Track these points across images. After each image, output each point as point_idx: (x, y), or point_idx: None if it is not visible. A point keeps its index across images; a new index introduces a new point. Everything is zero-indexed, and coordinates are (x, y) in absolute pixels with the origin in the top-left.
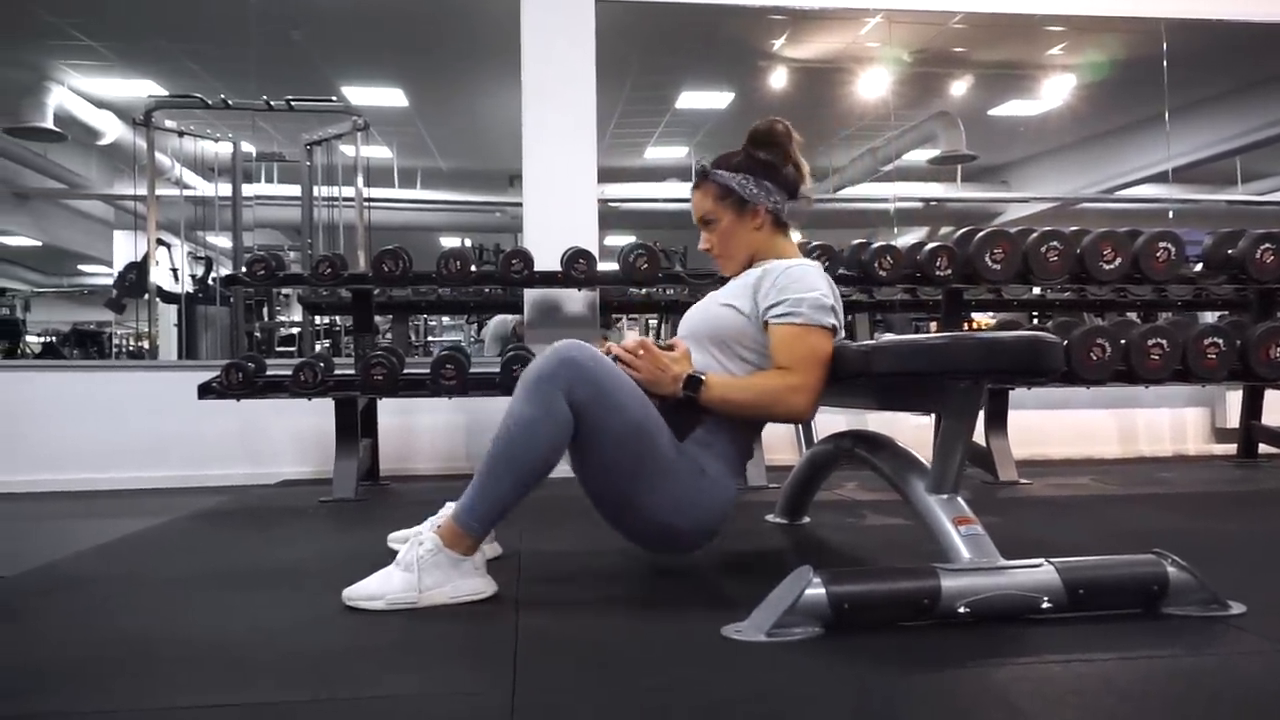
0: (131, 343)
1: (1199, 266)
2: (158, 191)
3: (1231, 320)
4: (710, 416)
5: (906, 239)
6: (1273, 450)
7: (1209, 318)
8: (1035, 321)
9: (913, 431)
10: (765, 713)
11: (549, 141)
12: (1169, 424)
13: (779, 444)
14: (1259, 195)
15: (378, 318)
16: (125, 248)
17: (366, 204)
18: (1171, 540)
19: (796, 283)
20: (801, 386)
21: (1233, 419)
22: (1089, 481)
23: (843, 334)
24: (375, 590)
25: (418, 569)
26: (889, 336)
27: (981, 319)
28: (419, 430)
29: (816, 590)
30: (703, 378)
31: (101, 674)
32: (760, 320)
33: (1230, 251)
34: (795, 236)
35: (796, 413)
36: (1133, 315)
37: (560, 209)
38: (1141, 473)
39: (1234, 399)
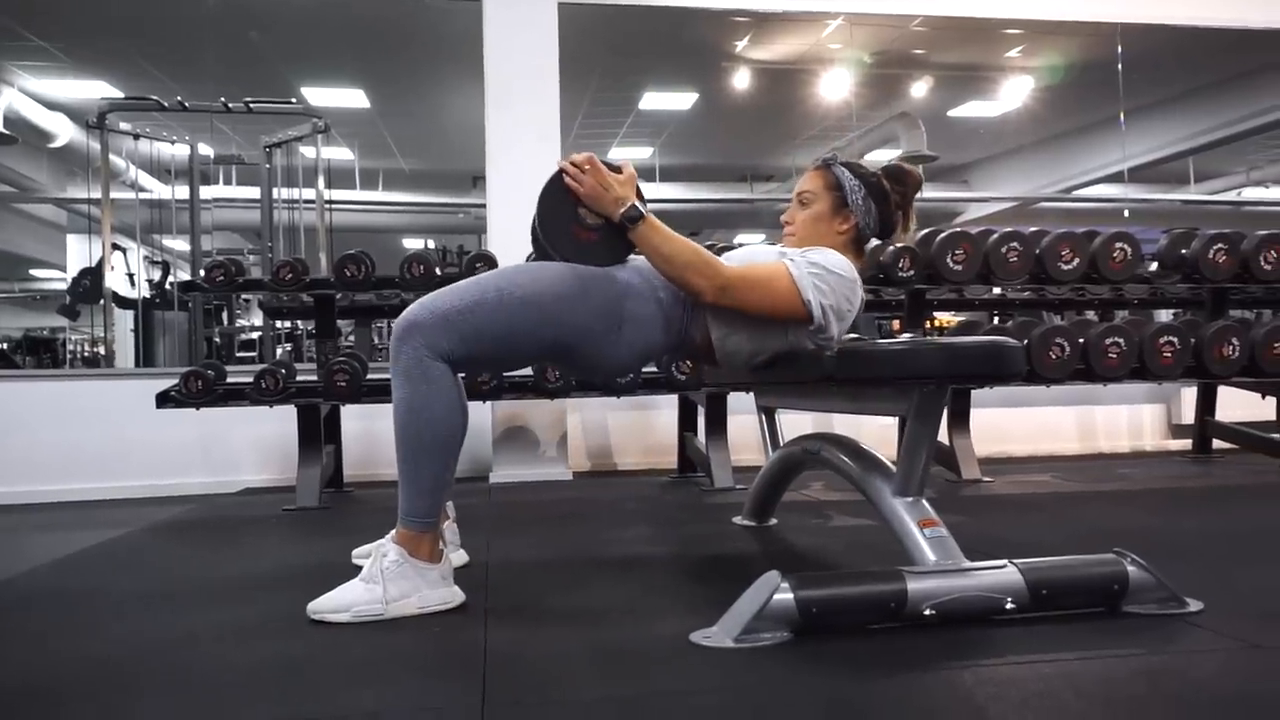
0: (86, 349)
1: (1154, 266)
2: (112, 195)
3: (1186, 319)
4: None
5: None
6: (1227, 445)
7: (1162, 316)
8: (995, 320)
9: (878, 431)
10: None
11: (513, 143)
12: (1127, 420)
13: (745, 445)
14: (1210, 195)
15: (340, 322)
16: (79, 252)
17: (328, 206)
18: (1131, 537)
19: (828, 262)
20: (725, 279)
21: (1188, 415)
22: (1050, 478)
23: (835, 342)
24: (341, 602)
25: (383, 580)
26: (851, 337)
27: (943, 317)
28: (383, 435)
29: (784, 595)
30: (644, 212)
31: (63, 696)
32: None
33: (1184, 251)
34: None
35: (700, 290)
36: (1089, 314)
37: (525, 211)
38: (1101, 469)
39: (1189, 395)
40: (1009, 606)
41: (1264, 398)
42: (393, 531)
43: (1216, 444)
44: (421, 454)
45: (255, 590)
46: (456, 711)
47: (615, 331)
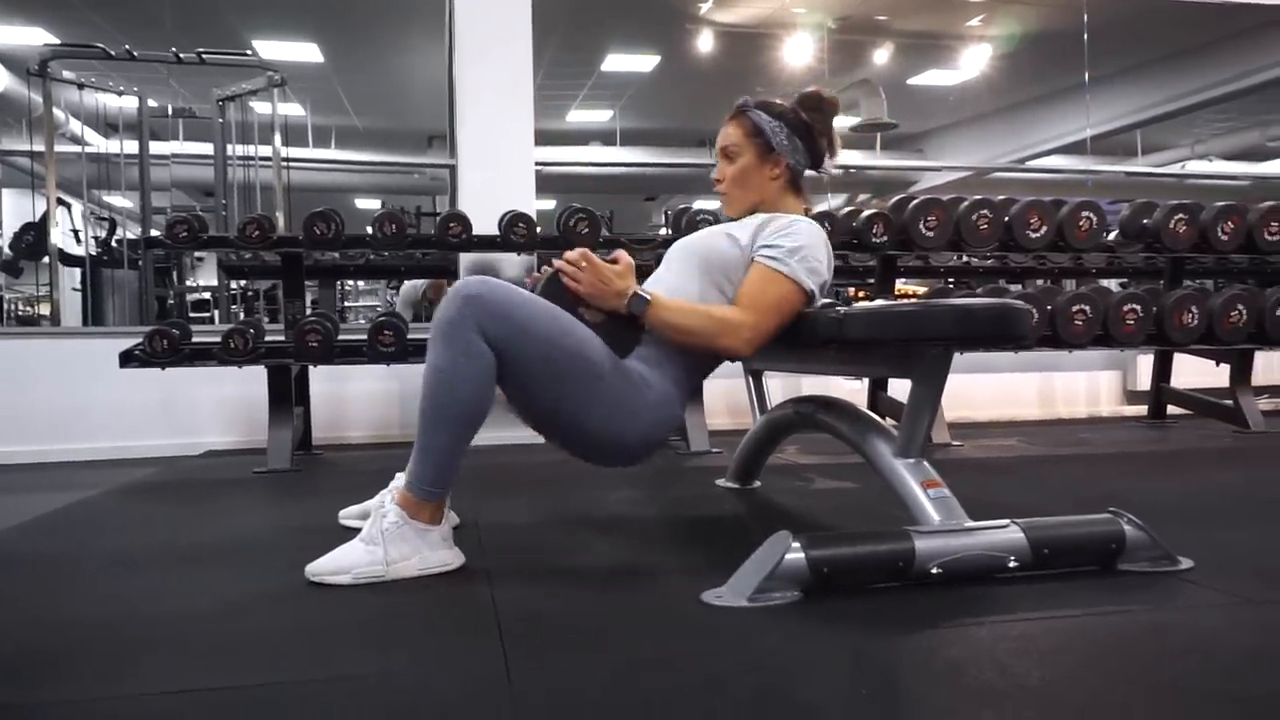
0: (21, 307)
1: (1113, 235)
2: (56, 148)
3: (1147, 288)
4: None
5: (820, 206)
6: (1180, 411)
7: (1110, 284)
8: (952, 288)
9: (847, 395)
10: (767, 681)
11: (483, 103)
12: (1084, 387)
13: (715, 410)
14: (1155, 167)
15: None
16: (14, 207)
17: (285, 164)
18: (1103, 499)
19: (797, 236)
20: (751, 327)
21: (1143, 382)
22: (1015, 443)
23: (820, 302)
24: (342, 564)
25: (383, 541)
26: (824, 301)
27: (900, 285)
28: (351, 398)
29: (796, 555)
30: (649, 296)
31: (58, 661)
32: (750, 257)
33: (1145, 221)
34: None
35: (736, 350)
36: (1041, 282)
37: (495, 172)
38: (1062, 434)
39: (1144, 363)
40: (1012, 565)
41: (1218, 365)
42: (384, 492)
43: (1171, 410)
44: (439, 423)
45: (242, 553)
46: (482, 673)
47: (633, 420)
